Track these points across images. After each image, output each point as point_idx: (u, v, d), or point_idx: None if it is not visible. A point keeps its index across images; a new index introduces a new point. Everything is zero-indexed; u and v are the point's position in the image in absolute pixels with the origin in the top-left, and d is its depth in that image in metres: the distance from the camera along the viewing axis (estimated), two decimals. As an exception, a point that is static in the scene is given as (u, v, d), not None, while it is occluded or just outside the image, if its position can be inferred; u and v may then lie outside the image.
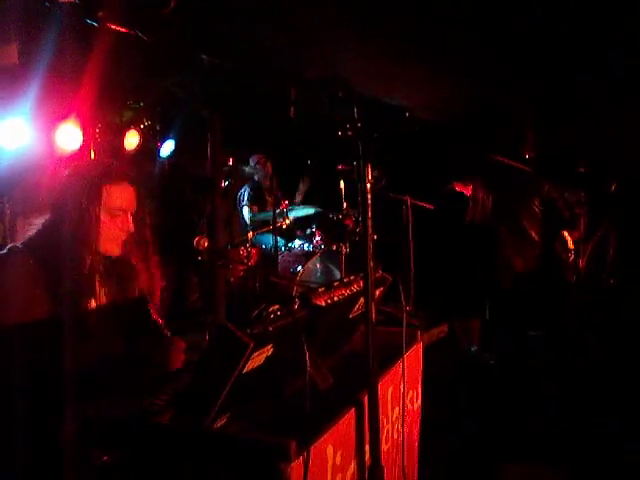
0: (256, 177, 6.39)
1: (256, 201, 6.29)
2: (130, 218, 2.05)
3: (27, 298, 1.86)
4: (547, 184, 5.33)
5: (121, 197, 2.02)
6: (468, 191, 5.62)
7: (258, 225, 6.00)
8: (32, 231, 1.99)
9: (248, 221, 6.22)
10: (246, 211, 6.27)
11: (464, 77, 5.32)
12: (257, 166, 6.36)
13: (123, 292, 2.14)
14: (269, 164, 6.36)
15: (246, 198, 6.30)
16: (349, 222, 5.37)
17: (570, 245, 5.41)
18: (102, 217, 1.99)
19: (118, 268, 2.12)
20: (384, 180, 4.47)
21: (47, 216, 2.01)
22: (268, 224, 5.81)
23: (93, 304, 2.02)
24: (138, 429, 1.51)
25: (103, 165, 2.11)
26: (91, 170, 2.04)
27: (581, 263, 5.45)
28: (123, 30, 1.52)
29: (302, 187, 6.63)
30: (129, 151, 5.05)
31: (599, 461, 3.22)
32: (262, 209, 6.18)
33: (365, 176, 1.41)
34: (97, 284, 2.04)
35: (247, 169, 6.39)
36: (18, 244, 1.97)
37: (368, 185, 1.43)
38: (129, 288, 2.15)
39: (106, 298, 2.08)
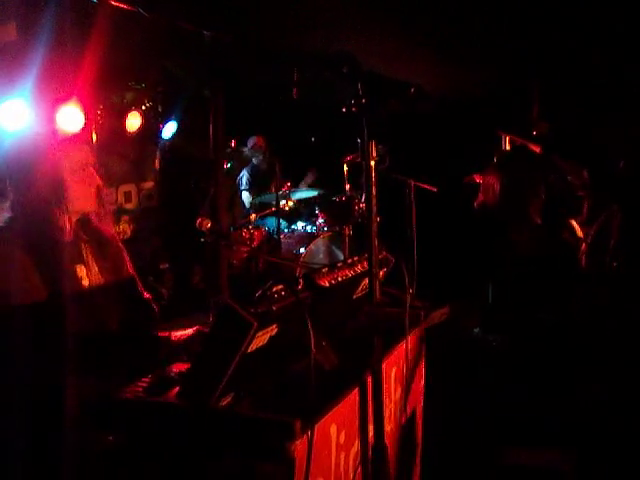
0: (254, 160, 6.33)
1: (254, 186, 6.23)
2: (94, 172, 2.10)
3: (17, 276, 1.86)
4: (553, 174, 5.29)
5: (79, 154, 2.08)
6: (480, 178, 5.61)
7: (258, 209, 5.95)
8: (9, 211, 2.00)
9: (248, 205, 6.18)
10: (245, 196, 6.24)
11: (471, 58, 5.28)
12: (254, 149, 6.29)
13: (116, 271, 2.16)
14: (265, 145, 6.26)
15: (244, 183, 6.27)
16: (356, 204, 5.31)
17: (579, 234, 5.40)
18: (67, 177, 2.02)
19: (104, 244, 2.15)
20: (387, 159, 4.42)
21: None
22: (269, 207, 5.77)
23: (85, 273, 2.04)
24: (143, 408, 1.51)
25: (55, 135, 2.17)
26: (47, 144, 2.13)
27: (584, 246, 5.43)
28: (124, 6, 1.49)
29: (307, 179, 6.50)
30: (131, 133, 5.02)
31: (603, 446, 3.20)
32: (262, 193, 6.12)
33: (369, 153, 1.40)
34: (87, 255, 2.07)
35: (245, 151, 6.33)
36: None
37: (372, 162, 1.42)
38: (122, 268, 2.19)
39: (100, 275, 2.09)
